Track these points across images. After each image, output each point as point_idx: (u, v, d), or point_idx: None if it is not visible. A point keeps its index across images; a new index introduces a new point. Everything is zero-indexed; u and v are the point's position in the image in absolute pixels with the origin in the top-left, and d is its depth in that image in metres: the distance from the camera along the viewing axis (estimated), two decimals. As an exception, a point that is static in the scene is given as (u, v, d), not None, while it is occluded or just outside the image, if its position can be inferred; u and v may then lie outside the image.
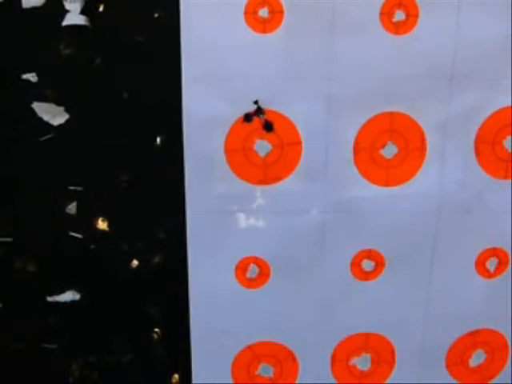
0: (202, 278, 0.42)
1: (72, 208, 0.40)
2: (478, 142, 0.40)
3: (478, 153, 0.40)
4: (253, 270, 0.42)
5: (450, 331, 0.44)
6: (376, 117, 0.39)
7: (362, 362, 0.44)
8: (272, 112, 0.38)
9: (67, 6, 0.36)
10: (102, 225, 0.41)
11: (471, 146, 0.40)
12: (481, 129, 0.39)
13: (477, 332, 0.44)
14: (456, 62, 0.38)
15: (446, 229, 0.41)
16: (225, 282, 0.42)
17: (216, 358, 0.44)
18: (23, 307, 0.42)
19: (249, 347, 0.44)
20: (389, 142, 0.39)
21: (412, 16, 0.37)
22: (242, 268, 0.42)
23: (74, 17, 0.36)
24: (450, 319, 0.43)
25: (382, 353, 0.44)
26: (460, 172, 0.40)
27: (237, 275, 0.42)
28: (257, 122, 0.39)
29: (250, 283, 0.42)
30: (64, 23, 0.37)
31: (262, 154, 0.39)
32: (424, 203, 0.40)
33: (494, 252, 0.42)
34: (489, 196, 0.41)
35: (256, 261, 0.42)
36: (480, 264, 0.42)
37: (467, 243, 0.41)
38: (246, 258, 0.42)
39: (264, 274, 0.42)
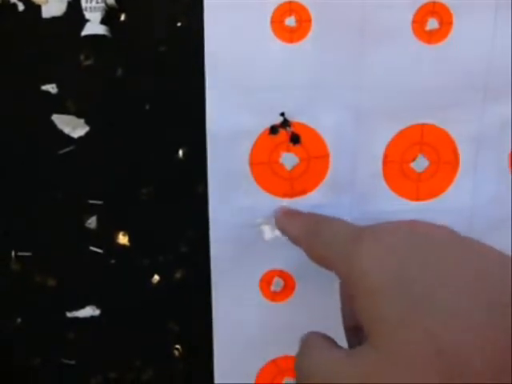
0: (225, 292, 0.41)
1: (92, 222, 0.39)
2: (513, 154, 0.38)
3: (512, 166, 0.38)
4: (278, 283, 0.41)
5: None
6: (406, 129, 0.38)
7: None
8: (299, 124, 0.37)
9: (87, 15, 0.35)
10: (122, 239, 0.40)
11: (505, 159, 0.38)
12: (516, 141, 0.38)
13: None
14: (491, 72, 0.36)
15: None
16: (249, 296, 0.41)
17: (239, 372, 0.43)
18: (42, 322, 0.42)
19: (273, 361, 0.43)
20: (419, 155, 0.38)
21: (446, 24, 0.36)
22: (266, 281, 0.41)
23: (94, 26, 0.35)
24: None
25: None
26: (494, 186, 0.39)
27: (261, 288, 0.41)
28: (283, 134, 0.37)
29: (275, 296, 0.41)
30: (83, 33, 0.35)
31: (288, 166, 0.38)
32: (456, 218, 0.39)
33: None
34: (523, 210, 0.39)
35: (281, 274, 0.41)
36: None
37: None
38: (271, 271, 0.41)
39: (289, 287, 0.41)
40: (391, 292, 0.24)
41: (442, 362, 0.21)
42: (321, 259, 0.31)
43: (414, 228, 0.27)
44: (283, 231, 0.37)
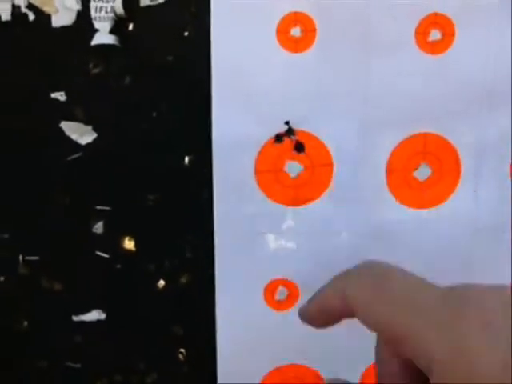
0: (229, 299, 0.41)
1: (99, 227, 0.40)
2: (514, 163, 0.39)
3: (513, 174, 0.39)
4: (282, 292, 0.41)
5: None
6: (409, 138, 0.38)
7: (391, 387, 0.43)
8: (303, 132, 0.38)
9: (96, 24, 0.36)
10: (128, 244, 0.40)
11: (506, 167, 0.39)
12: (517, 150, 0.38)
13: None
14: (492, 82, 0.37)
15: (481, 253, 0.40)
16: (253, 304, 0.41)
17: (242, 380, 0.43)
18: (49, 326, 0.42)
19: (277, 370, 0.43)
20: (422, 164, 0.39)
21: (448, 35, 0.36)
22: (270, 290, 0.41)
23: (103, 36, 0.36)
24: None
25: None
26: (495, 195, 0.39)
27: (265, 297, 0.41)
28: (288, 142, 0.38)
29: (279, 305, 0.41)
30: (93, 42, 0.36)
31: (292, 174, 0.38)
32: (458, 226, 0.39)
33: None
34: (525, 218, 0.40)
35: (285, 283, 0.41)
36: (515, 288, 0.41)
37: (503, 268, 0.40)
38: (275, 280, 0.41)
39: (293, 296, 0.41)
40: None
41: None
42: (390, 325, 0.22)
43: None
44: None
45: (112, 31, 0.36)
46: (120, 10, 0.35)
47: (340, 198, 0.39)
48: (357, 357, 0.43)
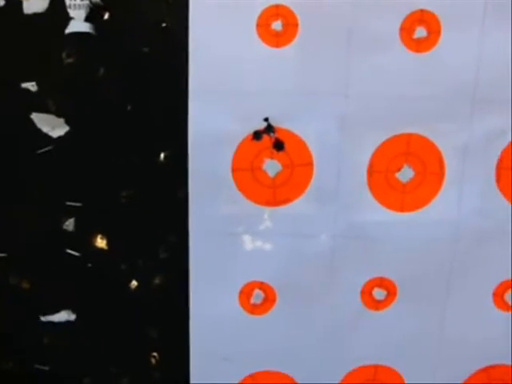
0: (203, 302, 0.40)
1: (70, 224, 0.38)
2: (499, 167, 0.38)
3: (498, 179, 0.38)
4: (258, 296, 0.40)
5: (464, 366, 0.41)
6: (392, 138, 0.37)
7: (369, 396, 0.42)
8: (283, 130, 0.37)
9: (71, 13, 0.35)
10: (100, 243, 0.39)
11: (492, 171, 0.38)
12: (502, 154, 0.37)
13: (492, 368, 0.41)
14: (479, 82, 0.36)
15: (463, 258, 0.39)
16: (227, 307, 0.40)
17: (217, 386, 0.42)
18: (15, 326, 0.41)
19: (251, 376, 0.42)
20: (405, 166, 0.37)
21: (433, 33, 0.35)
22: (246, 293, 0.40)
23: (78, 24, 0.35)
24: (465, 353, 0.41)
25: (392, 387, 0.42)
26: (479, 199, 0.38)
27: (240, 300, 0.40)
28: (266, 140, 0.37)
29: (254, 309, 0.40)
30: (67, 31, 0.35)
31: (271, 173, 0.37)
32: (440, 230, 0.38)
33: (513, 283, 0.40)
34: (509, 224, 0.38)
35: (261, 286, 0.40)
36: (498, 296, 0.40)
37: (485, 273, 0.39)
38: (251, 283, 0.40)
39: (269, 299, 0.40)
40: None
41: None
42: None
43: None
44: None
45: (87, 19, 0.34)
46: (95, -3, 0.34)
47: (320, 199, 0.38)
48: (336, 362, 0.41)
